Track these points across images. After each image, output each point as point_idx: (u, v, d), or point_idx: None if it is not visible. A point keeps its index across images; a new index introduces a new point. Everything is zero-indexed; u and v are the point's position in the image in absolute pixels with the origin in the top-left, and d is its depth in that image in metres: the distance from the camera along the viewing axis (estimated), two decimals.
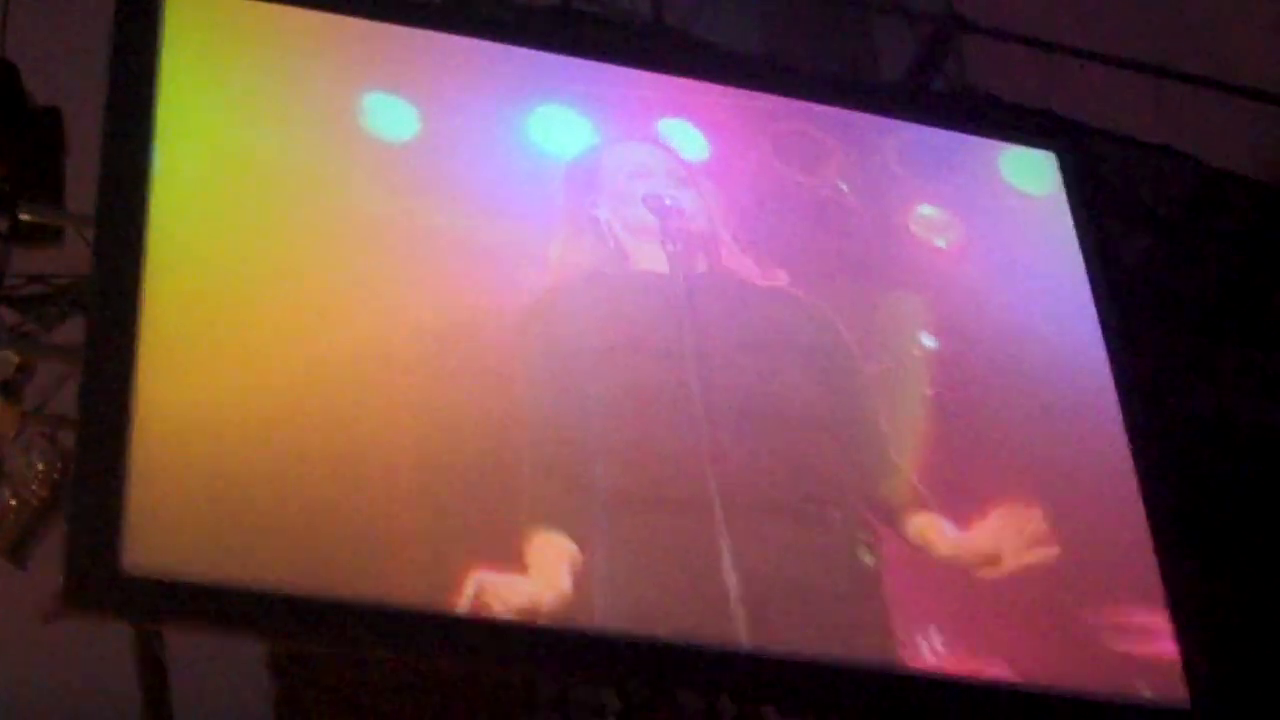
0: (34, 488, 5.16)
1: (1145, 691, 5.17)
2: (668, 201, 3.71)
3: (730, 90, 4.12)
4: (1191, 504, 5.58)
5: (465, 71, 4.86)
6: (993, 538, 3.85)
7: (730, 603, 3.30)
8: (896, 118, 5.45)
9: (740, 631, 3.33)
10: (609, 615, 3.41)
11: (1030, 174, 4.45)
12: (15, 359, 5.27)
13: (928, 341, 3.70)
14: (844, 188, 3.85)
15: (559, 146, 3.88)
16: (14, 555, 5.20)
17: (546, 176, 3.84)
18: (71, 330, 5.34)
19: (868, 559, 3.64)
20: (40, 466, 5.18)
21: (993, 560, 3.96)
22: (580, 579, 3.50)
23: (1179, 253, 6.68)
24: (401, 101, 4.83)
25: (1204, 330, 6.61)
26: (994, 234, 4.06)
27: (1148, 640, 5.23)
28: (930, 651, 3.72)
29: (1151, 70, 7.15)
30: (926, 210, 3.92)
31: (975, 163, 4.15)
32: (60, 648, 5.79)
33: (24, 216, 5.35)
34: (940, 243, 3.92)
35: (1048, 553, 4.04)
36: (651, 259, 3.71)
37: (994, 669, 4.01)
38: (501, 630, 4.68)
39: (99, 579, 4.48)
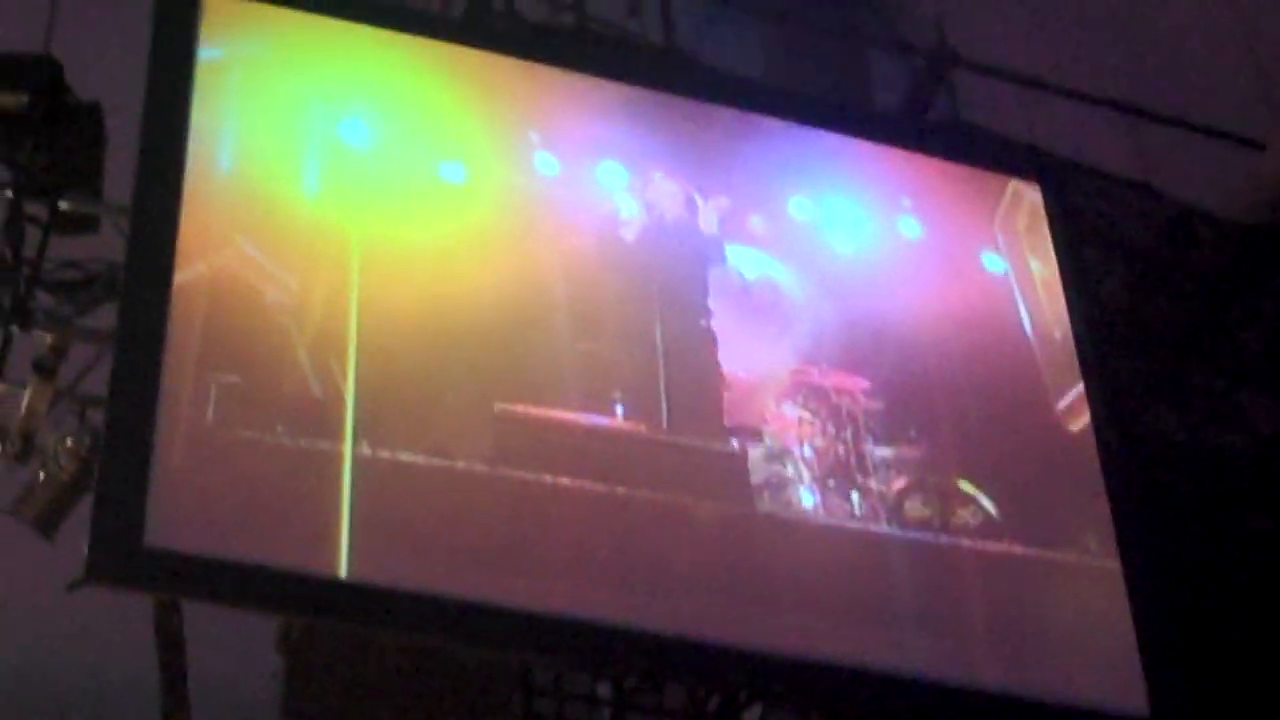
0: (63, 463, 5.34)
1: (1107, 701, 5.42)
2: (658, 197, 6.08)
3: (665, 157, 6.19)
4: (1158, 521, 5.79)
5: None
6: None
7: (657, 349, 5.74)
8: (894, 146, 5.95)
9: (659, 372, 5.68)
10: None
11: None
12: (49, 340, 5.46)
13: None
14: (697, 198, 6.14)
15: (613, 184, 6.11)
16: (42, 527, 5.37)
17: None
18: (104, 315, 5.50)
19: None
20: (70, 443, 5.36)
21: None
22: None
23: (1152, 284, 6.87)
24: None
25: (1174, 359, 6.82)
26: None
27: (1112, 651, 5.50)
28: None
29: (1129, 110, 7.39)
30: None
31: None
32: (84, 618, 5.95)
33: (63, 206, 5.53)
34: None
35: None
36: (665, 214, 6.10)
37: None
38: (505, 617, 4.95)
39: (122, 553, 4.65)
